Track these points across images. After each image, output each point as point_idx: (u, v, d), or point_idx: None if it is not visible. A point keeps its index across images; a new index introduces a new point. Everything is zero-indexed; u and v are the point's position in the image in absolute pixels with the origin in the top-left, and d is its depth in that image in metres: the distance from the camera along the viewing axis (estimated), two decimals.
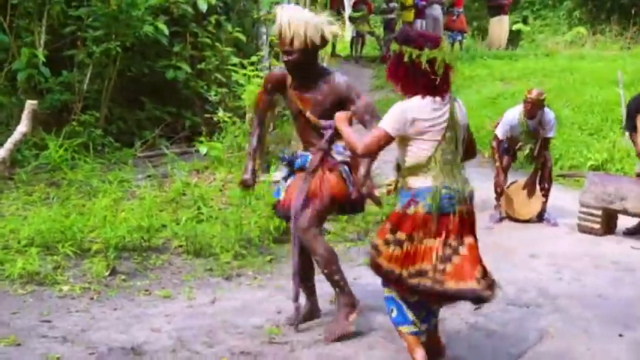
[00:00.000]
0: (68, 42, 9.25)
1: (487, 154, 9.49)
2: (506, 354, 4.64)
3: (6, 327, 4.68)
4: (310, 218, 4.66)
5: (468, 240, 3.96)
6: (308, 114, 4.71)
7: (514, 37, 20.99)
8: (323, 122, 4.71)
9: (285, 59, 4.63)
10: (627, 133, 8.22)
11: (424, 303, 4.08)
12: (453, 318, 5.07)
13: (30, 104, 5.68)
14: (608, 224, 7.74)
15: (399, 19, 20.40)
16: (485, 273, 3.95)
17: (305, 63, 4.64)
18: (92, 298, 5.37)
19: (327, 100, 4.67)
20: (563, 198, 8.80)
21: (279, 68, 5.05)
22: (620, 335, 5.00)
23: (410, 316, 4.12)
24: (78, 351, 4.40)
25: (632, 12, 20.32)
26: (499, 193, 8.21)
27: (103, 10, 8.77)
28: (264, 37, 12.10)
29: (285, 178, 4.97)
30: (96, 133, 8.83)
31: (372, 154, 4.15)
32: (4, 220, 6.46)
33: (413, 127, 3.89)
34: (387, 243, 3.99)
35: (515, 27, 21.13)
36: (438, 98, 3.91)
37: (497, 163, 8.08)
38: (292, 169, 4.93)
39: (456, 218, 3.92)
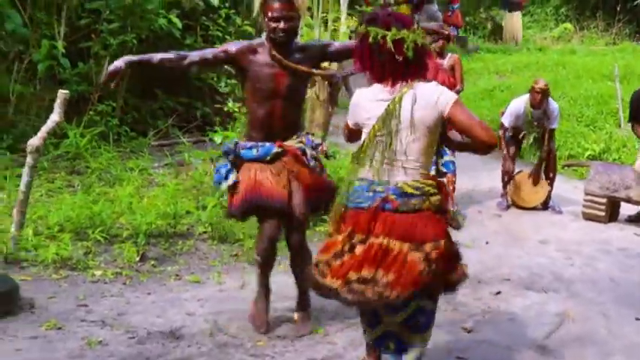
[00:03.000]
0: (85, 34, 9.33)
1: None
2: (531, 338, 4.77)
3: (45, 311, 4.77)
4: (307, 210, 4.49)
5: (378, 240, 3.32)
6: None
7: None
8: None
9: (285, 27, 4.27)
10: (630, 125, 8.47)
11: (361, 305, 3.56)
12: (475, 302, 5.20)
13: (62, 93, 5.71)
14: (611, 212, 7.94)
15: None
16: (368, 280, 3.31)
17: (296, 31, 4.43)
18: (125, 283, 5.42)
19: (306, 66, 4.44)
20: (563, 187, 9.02)
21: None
22: (637, 319, 5.17)
23: (363, 319, 3.76)
24: (118, 334, 4.49)
25: (617, 8, 20.70)
26: (507, 180, 8.37)
27: (119, 4, 8.85)
28: None
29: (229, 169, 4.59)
30: (112, 123, 8.91)
31: (349, 141, 3.81)
32: (31, 207, 6.36)
33: (359, 118, 3.52)
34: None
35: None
36: (390, 87, 3.39)
37: (505, 152, 8.22)
38: (238, 160, 4.53)
39: (369, 214, 3.37)
